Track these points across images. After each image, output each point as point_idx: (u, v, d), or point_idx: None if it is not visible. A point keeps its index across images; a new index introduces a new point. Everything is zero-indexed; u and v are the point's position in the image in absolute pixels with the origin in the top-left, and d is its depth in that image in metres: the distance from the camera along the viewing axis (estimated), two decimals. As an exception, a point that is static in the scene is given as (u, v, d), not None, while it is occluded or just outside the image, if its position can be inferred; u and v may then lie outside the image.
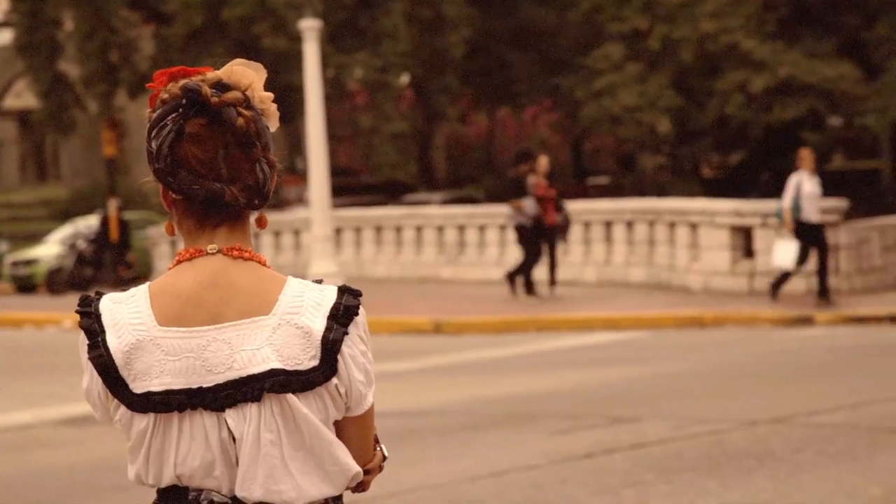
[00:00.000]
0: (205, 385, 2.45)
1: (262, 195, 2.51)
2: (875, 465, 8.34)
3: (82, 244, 27.26)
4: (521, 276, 19.54)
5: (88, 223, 28.70)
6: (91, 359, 2.50)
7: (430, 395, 12.07)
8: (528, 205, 19.04)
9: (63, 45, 34.88)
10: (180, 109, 2.46)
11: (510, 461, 8.85)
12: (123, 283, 25.83)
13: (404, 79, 36.59)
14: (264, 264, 2.54)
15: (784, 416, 10.05)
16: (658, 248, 21.05)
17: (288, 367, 2.45)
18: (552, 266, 19.68)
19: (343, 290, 2.51)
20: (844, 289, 19.03)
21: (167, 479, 2.51)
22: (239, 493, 2.48)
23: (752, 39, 32.60)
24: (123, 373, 2.48)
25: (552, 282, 19.71)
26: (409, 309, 19.26)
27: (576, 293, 20.66)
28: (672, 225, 20.77)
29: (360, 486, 2.60)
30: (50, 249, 27.71)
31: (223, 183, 2.47)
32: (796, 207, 16.86)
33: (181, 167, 2.47)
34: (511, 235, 21.32)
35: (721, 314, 17.26)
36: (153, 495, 2.56)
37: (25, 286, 27.26)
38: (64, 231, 29.10)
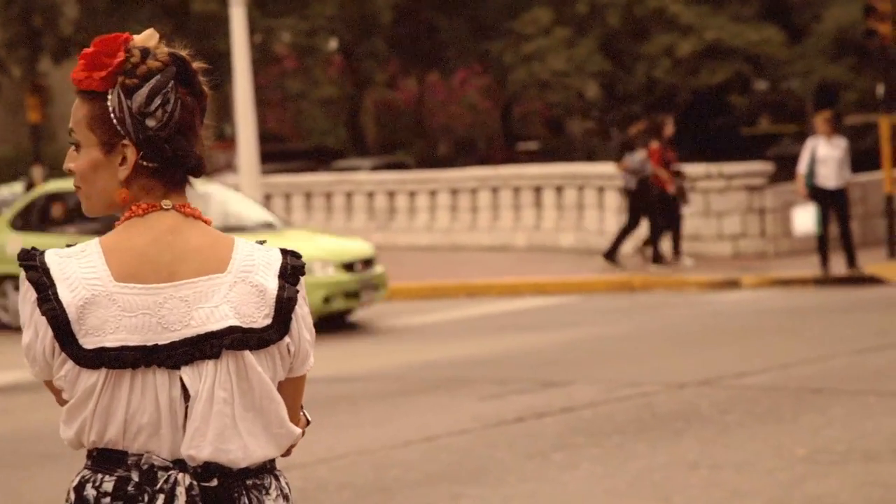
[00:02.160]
0: (160, 342, 2.44)
1: (207, 159, 2.58)
2: (800, 426, 8.47)
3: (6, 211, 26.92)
4: (619, 243, 18.12)
5: (13, 190, 28.33)
6: (44, 312, 2.45)
7: (361, 361, 12.09)
8: (633, 159, 17.71)
9: (-16, 9, 34.32)
10: (175, 77, 2.50)
11: (441, 426, 8.89)
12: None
13: (332, 44, 36.41)
14: (210, 224, 2.55)
15: (711, 378, 10.17)
16: (587, 213, 21.16)
17: (244, 325, 2.47)
18: (676, 237, 18.24)
19: (285, 252, 2.55)
20: (770, 252, 19.25)
21: (110, 437, 2.47)
22: (186, 452, 2.46)
23: (679, 3, 32.74)
24: (74, 327, 2.45)
25: (677, 252, 18.28)
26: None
27: (506, 258, 20.72)
28: (601, 189, 20.88)
29: (285, 452, 2.60)
30: (-26, 217, 27.32)
31: (198, 148, 2.55)
32: (811, 173, 16.56)
33: (179, 134, 2.51)
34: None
35: (650, 278, 17.40)
36: (83, 462, 2.52)
37: (-51, 255, 26.88)
38: (-12, 199, 28.69)
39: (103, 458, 2.49)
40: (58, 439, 2.57)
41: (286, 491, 2.56)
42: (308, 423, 2.67)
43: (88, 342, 2.44)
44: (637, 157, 17.82)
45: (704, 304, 15.46)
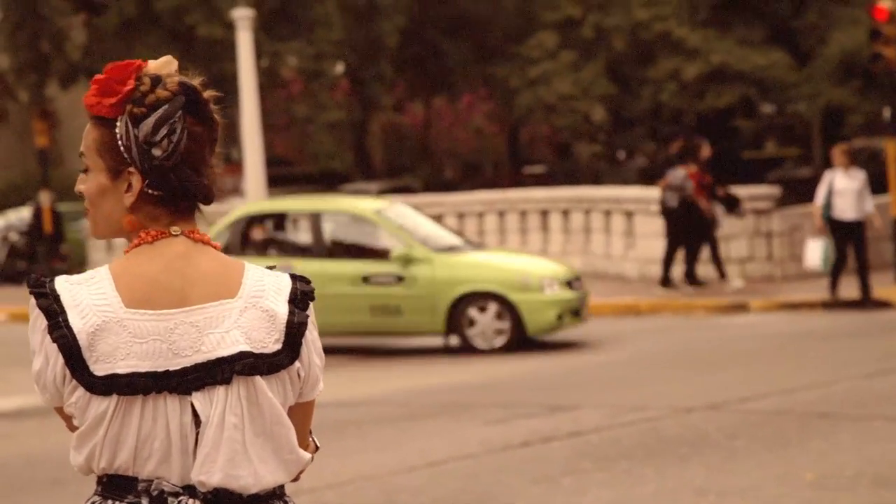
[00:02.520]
0: (172, 368, 2.45)
1: (217, 188, 2.59)
2: (807, 451, 8.45)
3: (15, 236, 26.96)
4: (668, 266, 18.06)
5: (21, 215, 28.38)
6: (55, 339, 2.46)
7: (367, 386, 12.08)
8: (675, 175, 17.64)
9: (-8, 35, 34.45)
10: (182, 108, 2.51)
11: (447, 451, 8.88)
12: (57, 275, 25.53)
13: (339, 68, 36.50)
14: (219, 249, 2.57)
15: (718, 403, 10.15)
16: (594, 237, 21.16)
17: (255, 350, 2.47)
18: (717, 260, 18.11)
19: (295, 277, 2.56)
20: (777, 275, 19.23)
21: (119, 464, 2.47)
22: (196, 478, 2.46)
23: (685, 27, 32.81)
24: (85, 354, 2.45)
25: (721, 274, 18.19)
26: (346, 299, 19.20)
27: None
28: (608, 213, 20.89)
29: (294, 477, 2.61)
30: (-19, 242, 27.36)
31: (205, 178, 2.55)
32: (828, 205, 16.53)
33: (185, 164, 2.51)
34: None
35: (657, 302, 17.38)
36: (92, 488, 2.52)
37: (-43, 279, 26.92)
38: (-4, 223, 28.76)
39: (113, 485, 2.49)
40: (66, 465, 2.57)
41: None
42: (317, 448, 2.67)
43: (99, 369, 2.44)
44: (679, 173, 17.80)
45: (712, 327, 15.44)
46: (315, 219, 14.84)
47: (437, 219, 23.38)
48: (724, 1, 33.59)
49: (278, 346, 2.49)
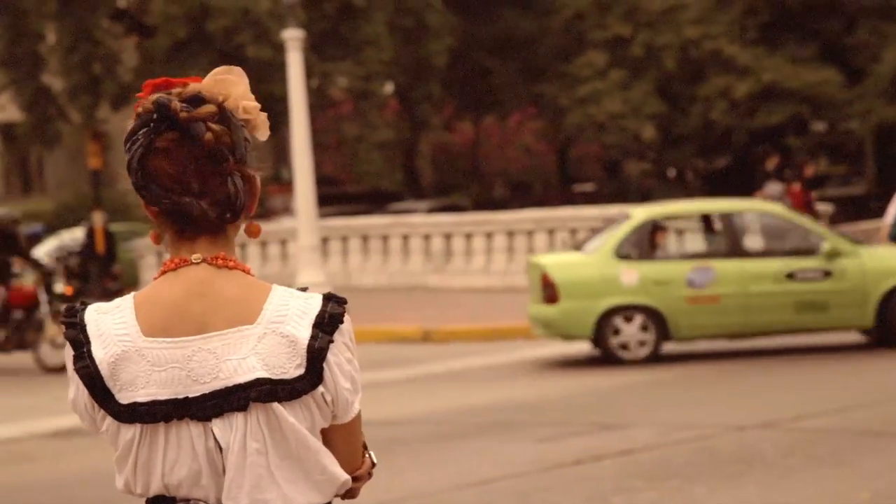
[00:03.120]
0: (191, 395, 2.44)
1: (233, 209, 2.49)
2: (862, 469, 8.35)
3: (68, 257, 27.19)
4: None
5: (74, 236, 28.64)
6: (77, 370, 2.49)
7: (418, 404, 12.06)
8: (774, 188, 17.39)
9: (46, 57, 34.82)
10: (151, 124, 2.46)
11: (498, 469, 8.84)
12: (110, 295, 25.75)
13: (388, 87, 36.62)
14: (249, 273, 2.53)
15: (771, 421, 10.06)
16: (644, 255, 21.05)
17: (274, 376, 2.44)
18: None
19: (328, 298, 2.50)
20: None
21: (155, 489, 2.50)
22: (225, 503, 2.47)
23: (735, 45, 32.69)
24: (109, 383, 2.47)
25: None
26: (397, 317, 19.24)
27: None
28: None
29: (349, 493, 2.59)
30: (35, 262, 27.61)
31: (193, 197, 2.46)
32: None
33: (152, 181, 2.47)
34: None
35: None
36: None
37: (11, 299, 27.16)
38: (50, 244, 29.04)
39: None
40: (113, 484, 2.59)
41: None
42: (374, 464, 2.64)
43: (124, 397, 2.46)
44: (777, 187, 17.61)
45: (763, 345, 15.30)
46: (727, 219, 14.44)
47: (488, 236, 23.39)
48: (775, 19, 33.44)
49: (300, 372, 2.45)
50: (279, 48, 26.00)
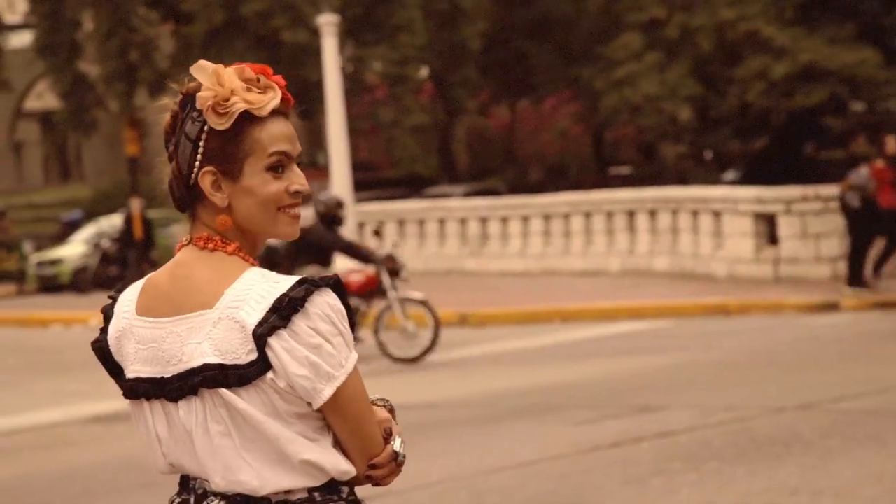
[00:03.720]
0: (165, 375, 2.49)
1: (172, 195, 2.60)
2: (903, 450, 8.30)
3: (106, 243, 27.35)
4: (850, 265, 17.31)
5: (112, 222, 28.79)
6: (92, 345, 2.59)
7: (455, 387, 12.07)
8: (858, 174, 17.15)
9: (83, 45, 34.97)
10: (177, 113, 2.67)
11: (536, 452, 8.84)
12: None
13: (423, 72, 36.58)
14: (238, 255, 2.51)
15: (811, 403, 10.01)
16: (682, 237, 21.00)
17: (227, 362, 2.44)
18: (886, 254, 17.50)
19: (300, 283, 2.46)
20: (870, 273, 18.93)
21: (161, 466, 2.56)
22: (207, 483, 2.52)
23: (772, 26, 32.47)
24: (118, 358, 2.56)
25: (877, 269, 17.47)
26: (434, 301, 19.25)
27: (600, 283, 20.63)
28: (695, 213, 20.72)
29: (371, 481, 2.55)
30: (75, 249, 27.81)
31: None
32: None
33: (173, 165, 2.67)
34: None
35: (746, 302, 17.21)
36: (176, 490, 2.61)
37: (51, 286, 27.38)
38: (88, 230, 29.20)
39: (181, 482, 2.58)
40: (152, 469, 2.62)
41: None
42: (396, 454, 2.55)
43: (128, 373, 2.55)
44: (862, 173, 17.41)
45: (802, 326, 15.24)
46: None
47: (525, 220, 23.35)
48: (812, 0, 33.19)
49: (252, 357, 2.44)
50: (314, 32, 26.03)
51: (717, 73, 33.86)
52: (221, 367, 2.44)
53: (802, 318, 16.14)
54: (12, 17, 40.37)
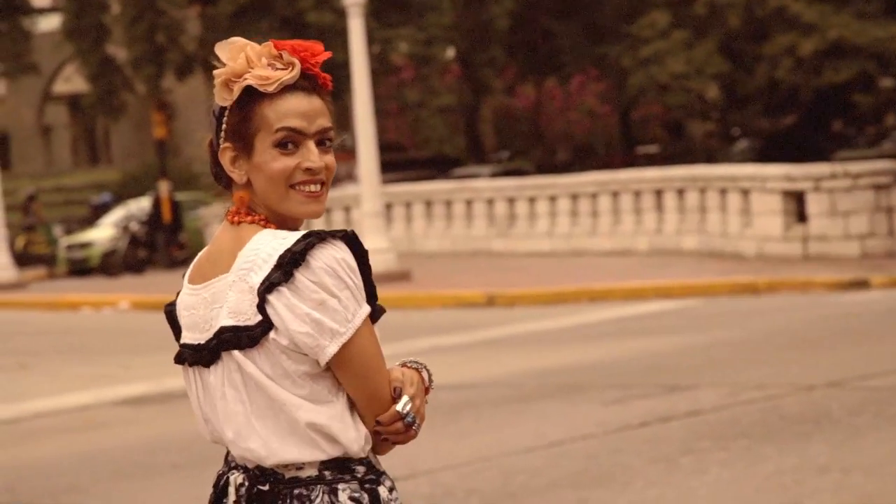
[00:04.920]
0: (201, 342, 2.52)
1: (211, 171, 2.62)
2: (934, 428, 8.27)
3: (135, 226, 27.45)
4: None
5: (141, 205, 28.90)
6: (164, 308, 2.66)
7: (484, 368, 12.09)
8: None
9: (110, 28, 35.06)
10: None
11: (565, 431, 8.84)
12: (176, 264, 25.99)
13: (450, 52, 36.52)
14: (257, 223, 2.51)
15: (840, 380, 9.98)
16: (710, 216, 20.94)
17: (239, 323, 2.46)
18: None
19: (306, 236, 2.44)
20: (899, 251, 18.85)
21: (205, 434, 2.58)
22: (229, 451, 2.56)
23: (800, 2, 32.26)
24: (182, 322, 2.62)
25: None
26: (462, 282, 19.27)
27: (627, 262, 20.59)
28: (723, 191, 20.65)
29: (381, 441, 2.51)
30: (104, 232, 27.93)
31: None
32: None
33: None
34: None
35: (775, 280, 17.15)
36: (208, 471, 2.63)
37: (80, 269, 27.51)
38: (117, 213, 29.32)
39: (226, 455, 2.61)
40: (185, 449, 2.65)
41: None
42: (402, 416, 2.48)
43: (181, 339, 2.61)
44: None
45: (832, 304, 15.19)
46: None
47: (552, 200, 23.32)
48: (840, -26, 32.94)
49: (260, 317, 2.44)
50: (340, 13, 26.00)
51: (745, 50, 33.69)
52: (235, 328, 2.45)
53: (831, 296, 16.08)
54: (40, 1, 40.50)
